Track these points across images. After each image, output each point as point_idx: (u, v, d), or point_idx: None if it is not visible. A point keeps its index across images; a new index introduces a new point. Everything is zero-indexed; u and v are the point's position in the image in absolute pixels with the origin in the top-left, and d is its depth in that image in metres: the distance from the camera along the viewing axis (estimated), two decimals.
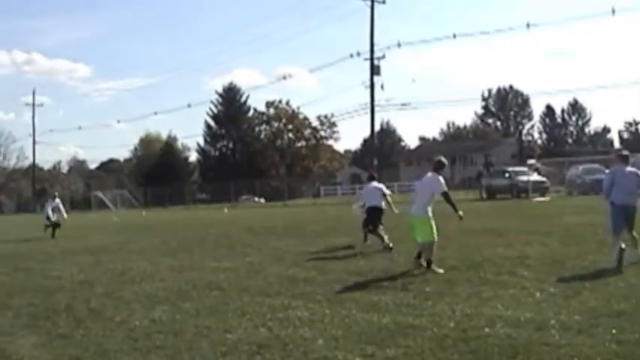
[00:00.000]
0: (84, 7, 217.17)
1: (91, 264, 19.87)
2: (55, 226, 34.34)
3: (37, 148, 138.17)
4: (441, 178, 15.38)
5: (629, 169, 15.10)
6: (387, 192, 21.15)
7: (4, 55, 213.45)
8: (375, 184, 21.12)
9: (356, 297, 12.26)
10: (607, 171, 17.72)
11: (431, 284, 13.09)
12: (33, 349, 9.67)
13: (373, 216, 20.33)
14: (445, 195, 15.17)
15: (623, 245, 14.25)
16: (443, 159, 15.87)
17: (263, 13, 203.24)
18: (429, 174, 15.64)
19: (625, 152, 15.86)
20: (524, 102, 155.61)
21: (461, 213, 15.34)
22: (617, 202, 14.78)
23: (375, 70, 71.76)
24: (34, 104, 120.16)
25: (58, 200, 36.40)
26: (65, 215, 36.22)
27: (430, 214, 15.24)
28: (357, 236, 20.91)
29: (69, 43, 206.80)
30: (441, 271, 14.64)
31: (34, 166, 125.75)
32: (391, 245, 19.15)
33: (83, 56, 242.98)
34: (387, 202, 20.59)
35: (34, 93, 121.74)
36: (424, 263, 14.96)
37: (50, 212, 34.87)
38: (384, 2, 71.74)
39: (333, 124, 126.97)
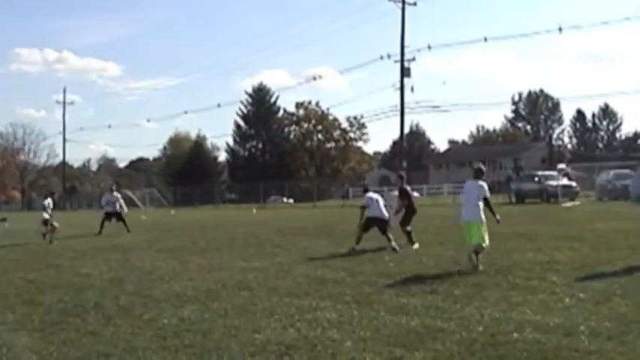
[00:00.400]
0: (115, 7, 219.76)
1: (120, 262, 19.95)
2: (118, 218, 33.80)
3: (68, 146, 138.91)
4: (484, 184, 16.19)
5: None
6: (382, 202, 21.61)
7: (36, 54, 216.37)
8: (370, 194, 21.64)
9: (384, 299, 12.25)
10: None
11: (460, 288, 13.06)
12: (62, 345, 9.72)
13: (376, 225, 21.10)
14: (486, 200, 16.06)
15: None
16: (482, 166, 16.93)
17: (293, 14, 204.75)
18: (471, 181, 16.51)
19: None
20: (554, 106, 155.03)
21: (498, 217, 16.08)
22: None
23: (405, 72, 71.58)
24: (64, 102, 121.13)
25: (116, 194, 34.71)
26: (125, 209, 35.11)
27: (483, 218, 15.91)
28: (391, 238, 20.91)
29: (100, 42, 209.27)
30: (481, 267, 15.32)
31: (64, 163, 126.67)
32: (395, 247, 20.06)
33: (114, 55, 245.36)
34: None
35: (64, 91, 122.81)
36: (480, 267, 15.44)
37: (105, 204, 34.23)
38: (415, 4, 71.61)
39: (363, 126, 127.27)
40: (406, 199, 21.48)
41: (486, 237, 15.88)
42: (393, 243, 20.16)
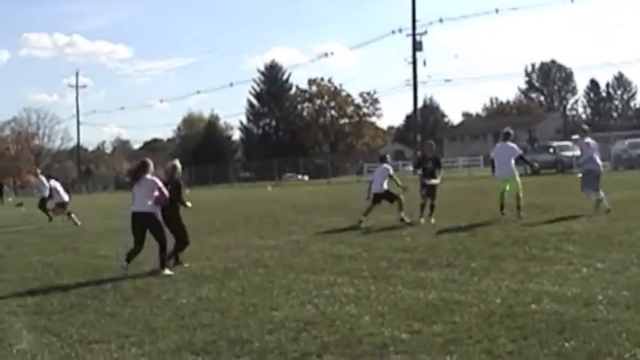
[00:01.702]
0: None
1: None
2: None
3: (81, 129, 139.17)
4: (513, 145, 19.97)
5: (588, 140, 20.30)
6: (392, 172, 21.73)
7: (46, 38, 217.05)
8: (384, 165, 21.78)
9: (401, 274, 12.27)
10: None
11: (476, 260, 13.05)
12: (81, 327, 9.77)
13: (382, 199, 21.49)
14: (521, 157, 20.09)
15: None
16: (510, 130, 20.51)
17: None
18: (500, 143, 20.33)
19: (584, 127, 22.46)
20: (567, 76, 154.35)
21: (536, 165, 21.69)
22: (595, 168, 19.93)
23: (417, 46, 71.48)
24: (77, 86, 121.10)
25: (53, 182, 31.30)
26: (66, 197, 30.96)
27: (516, 173, 19.94)
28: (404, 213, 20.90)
29: (109, 25, 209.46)
30: (524, 214, 19.27)
31: (78, 147, 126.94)
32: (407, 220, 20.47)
33: (123, 38, 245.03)
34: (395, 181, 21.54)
35: (77, 74, 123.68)
36: (522, 214, 19.38)
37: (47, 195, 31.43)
38: None
39: (376, 101, 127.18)
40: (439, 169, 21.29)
41: (520, 185, 19.68)
42: (402, 214, 20.51)
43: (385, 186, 21.16)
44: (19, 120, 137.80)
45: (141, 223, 14.46)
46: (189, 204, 15.36)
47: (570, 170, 49.41)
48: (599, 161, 20.13)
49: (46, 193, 31.47)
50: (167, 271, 14.10)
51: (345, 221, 22.21)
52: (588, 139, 20.27)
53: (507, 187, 19.85)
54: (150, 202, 14.27)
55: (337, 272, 12.84)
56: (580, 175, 20.72)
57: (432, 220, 20.01)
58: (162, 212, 14.74)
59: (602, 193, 19.67)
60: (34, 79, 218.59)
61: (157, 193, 14.27)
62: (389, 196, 21.22)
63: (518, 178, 19.84)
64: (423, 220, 19.97)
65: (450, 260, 13.28)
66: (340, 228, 20.43)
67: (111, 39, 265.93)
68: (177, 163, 15.47)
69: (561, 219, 18.66)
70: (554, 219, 18.76)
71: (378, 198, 21.26)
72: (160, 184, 14.47)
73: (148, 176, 14.48)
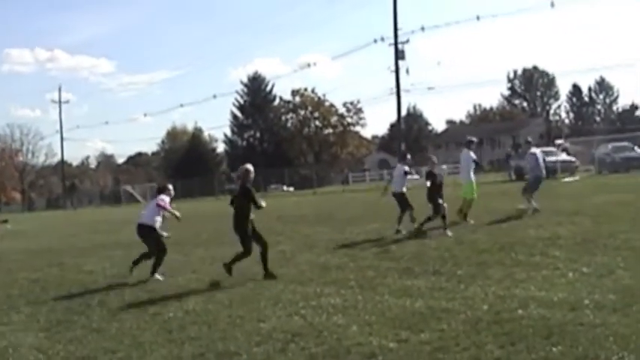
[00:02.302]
0: (104, 3, 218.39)
1: (123, 258, 19.88)
2: None
3: (65, 144, 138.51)
4: (471, 152, 21.85)
5: (534, 150, 23.24)
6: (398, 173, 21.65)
7: (27, 54, 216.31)
8: (399, 165, 22.09)
9: (388, 282, 12.28)
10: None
11: (463, 267, 13.08)
12: (69, 344, 9.74)
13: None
14: (474, 161, 21.78)
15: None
16: (471, 138, 22.96)
17: (283, 1, 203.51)
18: (464, 150, 22.19)
19: (529, 139, 24.82)
20: (549, 82, 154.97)
21: (486, 168, 20.12)
22: (539, 175, 22.45)
23: (399, 55, 71.34)
24: (60, 101, 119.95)
25: None
26: None
27: (473, 178, 21.67)
28: (389, 222, 20.84)
29: (90, 39, 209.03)
30: (472, 222, 20.33)
31: (62, 162, 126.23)
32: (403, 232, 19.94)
33: (105, 52, 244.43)
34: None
35: (59, 89, 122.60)
36: (470, 221, 20.49)
37: None
38: None
39: (360, 110, 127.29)
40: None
41: (474, 192, 21.52)
42: (400, 227, 20.15)
43: (404, 188, 21.05)
44: (3, 136, 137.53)
45: (139, 233, 15.67)
46: (263, 204, 14.95)
47: (554, 175, 49.50)
48: (543, 169, 22.76)
49: None
50: (158, 276, 15.13)
51: (332, 231, 22.21)
52: (534, 149, 23.35)
53: (464, 190, 21.74)
54: (153, 217, 15.56)
55: (324, 282, 12.85)
56: (528, 180, 23.27)
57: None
58: (235, 218, 14.78)
59: (533, 201, 22.01)
60: (17, 94, 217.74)
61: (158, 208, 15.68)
62: (403, 201, 20.84)
63: (474, 185, 21.66)
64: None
65: (436, 268, 13.31)
66: (327, 238, 20.40)
67: (92, 53, 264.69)
68: (250, 167, 15.55)
69: (546, 224, 18.70)
70: (540, 224, 18.79)
71: (395, 197, 21.12)
72: (164, 204, 15.76)
73: (162, 195, 15.92)
